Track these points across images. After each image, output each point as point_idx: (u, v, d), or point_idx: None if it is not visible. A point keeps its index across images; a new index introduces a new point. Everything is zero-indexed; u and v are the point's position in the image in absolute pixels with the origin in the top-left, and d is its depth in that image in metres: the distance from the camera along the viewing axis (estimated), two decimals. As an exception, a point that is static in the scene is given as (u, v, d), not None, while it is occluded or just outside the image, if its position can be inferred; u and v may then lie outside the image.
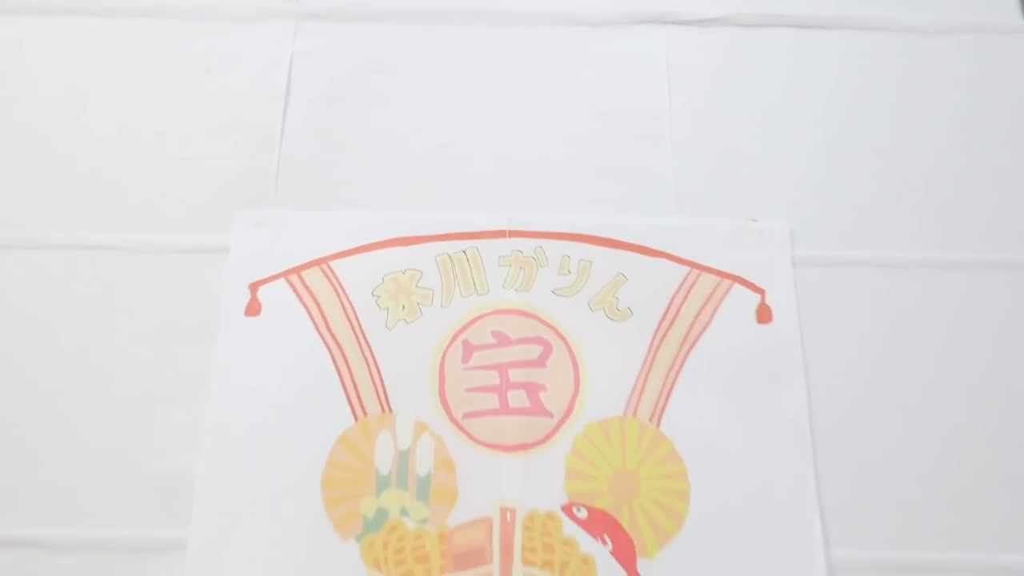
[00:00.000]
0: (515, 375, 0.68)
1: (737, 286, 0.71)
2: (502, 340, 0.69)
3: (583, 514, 0.47)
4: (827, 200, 0.75)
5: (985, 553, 0.64)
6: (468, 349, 0.69)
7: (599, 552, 0.44)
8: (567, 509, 0.45)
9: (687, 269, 0.72)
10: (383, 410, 0.66)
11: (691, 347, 0.69)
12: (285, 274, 0.71)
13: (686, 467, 0.65)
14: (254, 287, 0.71)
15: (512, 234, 0.73)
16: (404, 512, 0.62)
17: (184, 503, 0.64)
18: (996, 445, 0.67)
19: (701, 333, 0.70)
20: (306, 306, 0.70)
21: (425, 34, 0.82)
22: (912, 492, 0.65)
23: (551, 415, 0.66)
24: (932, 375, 0.69)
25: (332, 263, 0.72)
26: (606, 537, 0.46)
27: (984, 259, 0.73)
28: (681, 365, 0.68)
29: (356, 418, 0.66)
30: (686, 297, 0.71)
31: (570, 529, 0.44)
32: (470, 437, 0.66)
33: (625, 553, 0.46)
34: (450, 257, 0.72)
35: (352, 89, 0.79)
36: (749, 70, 0.81)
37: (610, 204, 0.74)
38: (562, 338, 0.69)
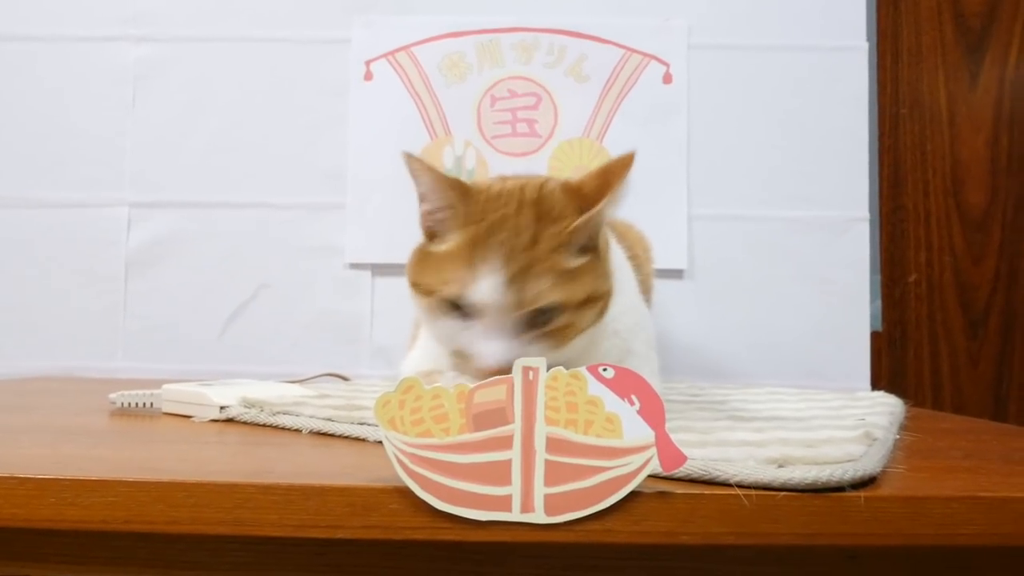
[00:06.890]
0: (520, 114, 1.19)
1: (653, 61, 1.20)
2: (513, 94, 1.20)
3: (609, 373, 0.44)
4: (714, 8, 1.21)
5: (778, 210, 1.17)
6: (493, 99, 1.19)
7: (625, 412, 0.43)
8: (592, 369, 0.44)
9: (623, 51, 1.20)
10: (446, 133, 1.18)
11: (623, 97, 1.19)
12: (385, 55, 1.20)
13: (615, 165, 1.17)
14: (368, 63, 1.20)
15: (519, 30, 1.20)
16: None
17: (341, 183, 1.18)
18: (793, 153, 1.18)
19: (630, 89, 1.19)
20: (399, 74, 1.20)
21: None
22: (737, 175, 1.18)
23: (540, 136, 1.18)
24: (760, 110, 1.19)
25: (413, 48, 1.20)
26: (633, 397, 0.44)
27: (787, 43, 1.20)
28: (617, 107, 1.19)
29: (432, 138, 1.18)
30: (622, 68, 1.19)
31: (595, 389, 0.44)
32: (495, 149, 1.18)
33: (652, 413, 0.44)
34: (482, 44, 1.20)
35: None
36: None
37: (578, 11, 1.21)
38: (548, 93, 1.19)
